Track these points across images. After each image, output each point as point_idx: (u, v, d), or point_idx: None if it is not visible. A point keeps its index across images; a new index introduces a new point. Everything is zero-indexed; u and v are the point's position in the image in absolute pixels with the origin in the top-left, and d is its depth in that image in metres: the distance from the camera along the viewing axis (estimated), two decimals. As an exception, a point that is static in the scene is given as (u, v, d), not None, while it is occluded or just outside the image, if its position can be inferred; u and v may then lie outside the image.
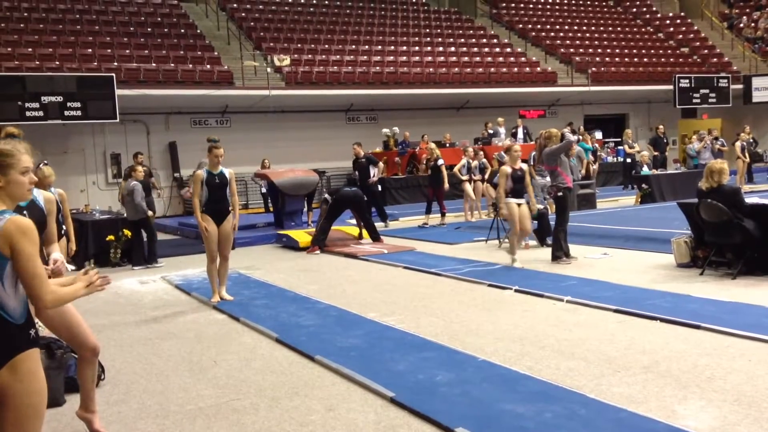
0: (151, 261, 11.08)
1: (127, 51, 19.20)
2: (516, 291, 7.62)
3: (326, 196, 12.24)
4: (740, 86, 26.20)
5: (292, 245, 12.22)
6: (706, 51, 28.58)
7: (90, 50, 18.72)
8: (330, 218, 11.88)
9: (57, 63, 17.70)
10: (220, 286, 8.05)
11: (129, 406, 4.73)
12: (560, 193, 9.31)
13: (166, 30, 21.01)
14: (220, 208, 7.74)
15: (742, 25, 30.80)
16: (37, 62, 17.52)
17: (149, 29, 20.75)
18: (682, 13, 31.48)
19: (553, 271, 8.75)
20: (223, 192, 7.72)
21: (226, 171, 7.75)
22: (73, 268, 9.72)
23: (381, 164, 15.46)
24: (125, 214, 11.51)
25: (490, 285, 8.03)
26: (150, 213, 11.26)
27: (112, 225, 11.47)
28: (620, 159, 21.83)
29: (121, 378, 5.33)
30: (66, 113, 16.74)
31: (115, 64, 18.30)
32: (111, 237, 11.21)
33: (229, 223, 7.80)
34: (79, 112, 16.84)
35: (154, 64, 18.84)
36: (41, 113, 16.43)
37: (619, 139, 22.53)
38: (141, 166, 11.91)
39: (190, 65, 19.16)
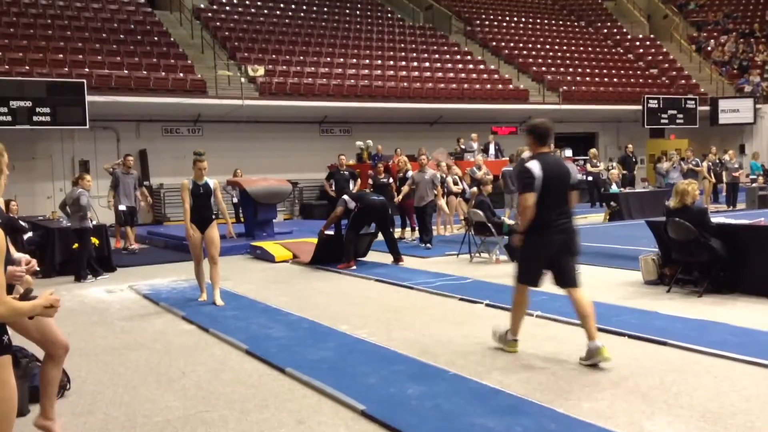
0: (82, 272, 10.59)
1: (99, 57, 19.01)
2: (487, 305, 7.66)
3: (345, 198, 11.18)
4: (707, 108, 26.80)
5: (267, 258, 12.11)
6: (674, 73, 29.18)
7: (61, 56, 18.49)
8: (355, 228, 11.03)
9: (27, 68, 17.46)
10: (214, 291, 8.26)
11: (95, 417, 4.64)
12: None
13: (139, 37, 20.85)
14: (204, 216, 8.25)
15: (710, 48, 31.52)
16: (7, 66, 17.26)
17: (122, 36, 20.58)
18: (652, 36, 32.14)
19: (523, 286, 8.80)
20: (206, 201, 8.26)
21: (210, 181, 8.31)
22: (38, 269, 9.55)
23: (359, 179, 15.57)
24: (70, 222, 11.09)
25: (461, 299, 8.06)
26: (91, 225, 10.72)
27: (80, 233, 11.26)
28: (585, 177, 22.10)
29: (86, 388, 5.23)
30: (35, 119, 16.51)
31: (87, 70, 18.09)
32: (77, 245, 11.01)
33: (214, 229, 8.28)
34: (48, 118, 16.62)
35: (126, 71, 18.67)
36: (9, 118, 16.20)
37: (587, 158, 22.85)
38: (115, 173, 11.52)
39: (163, 73, 19.03)
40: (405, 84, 22.51)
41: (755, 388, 4.71)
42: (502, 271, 9.96)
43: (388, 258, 11.29)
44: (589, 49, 29.91)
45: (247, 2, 25.78)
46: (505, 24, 30.36)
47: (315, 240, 13.13)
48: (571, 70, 27.18)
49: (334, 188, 15.27)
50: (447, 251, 12.15)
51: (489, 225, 11.03)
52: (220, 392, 5.04)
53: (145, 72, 18.87)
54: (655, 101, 25.67)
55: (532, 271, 5.64)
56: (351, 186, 14.53)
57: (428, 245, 12.55)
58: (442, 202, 14.64)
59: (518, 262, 5.91)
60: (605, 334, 6.24)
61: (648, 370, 5.16)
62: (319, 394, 4.87)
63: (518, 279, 5.76)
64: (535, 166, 5.43)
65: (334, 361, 5.66)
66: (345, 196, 11.27)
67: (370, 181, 15.08)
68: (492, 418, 4.26)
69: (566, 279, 5.58)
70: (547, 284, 8.74)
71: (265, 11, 25.50)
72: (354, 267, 10.73)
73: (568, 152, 24.29)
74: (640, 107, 25.48)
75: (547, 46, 28.94)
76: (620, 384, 4.88)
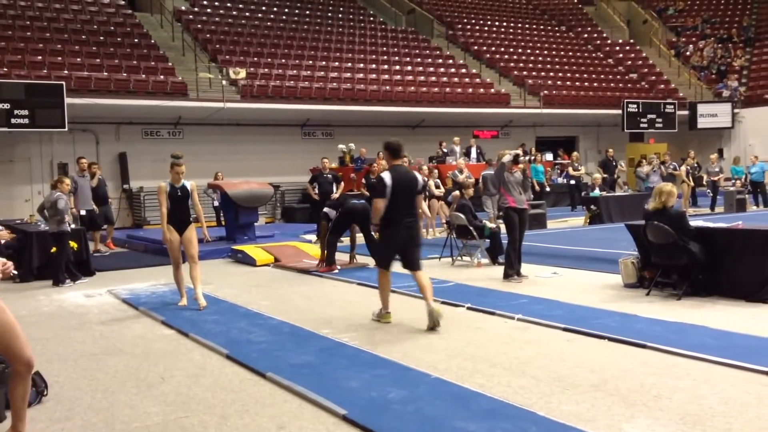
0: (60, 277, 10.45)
1: (79, 59, 18.83)
2: (468, 308, 7.68)
3: (326, 210, 11.23)
4: (686, 112, 27.08)
5: (248, 262, 12.05)
6: (653, 77, 29.45)
7: (40, 57, 18.30)
8: (337, 232, 11.08)
9: (5, 69, 17.25)
10: (195, 290, 8.26)
11: (73, 423, 4.59)
12: (500, 212, 9.86)
13: (119, 39, 20.68)
14: (182, 218, 8.31)
15: (688, 53, 31.87)
16: (-16, 68, 17.06)
17: (102, 38, 20.40)
18: (632, 41, 32.42)
19: (504, 289, 8.84)
20: (184, 204, 8.31)
21: (187, 184, 8.31)
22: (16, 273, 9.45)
23: (342, 182, 15.56)
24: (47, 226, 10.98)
25: (443, 302, 8.02)
26: (69, 229, 10.69)
27: (58, 237, 11.14)
28: (567, 181, 22.28)
29: (64, 394, 5.16)
30: (13, 121, 16.32)
31: (66, 72, 17.92)
32: (55, 249, 10.89)
33: (192, 231, 8.35)
34: (26, 120, 16.44)
35: (105, 73, 18.51)
36: (-14, 120, 16.00)
37: (568, 161, 23.00)
38: (75, 176, 11.32)
39: (143, 75, 18.89)
40: (387, 87, 22.52)
41: (734, 390, 4.75)
42: (484, 275, 10.00)
43: (369, 261, 11.27)
44: (570, 53, 30.10)
45: (229, 4, 25.66)
46: (486, 28, 30.49)
47: (297, 243, 13.16)
48: (551, 74, 27.34)
49: (317, 191, 15.23)
50: (429, 255, 12.14)
51: (470, 228, 11.06)
52: (200, 397, 5.00)
53: (125, 74, 18.72)
54: (635, 106, 25.90)
55: (387, 257, 7.16)
56: (334, 189, 14.49)
57: None
58: (423, 205, 14.64)
59: (377, 251, 7.41)
60: (586, 336, 6.28)
61: (628, 373, 5.19)
62: (300, 399, 4.84)
63: (378, 264, 7.26)
64: (387, 176, 6.89)
65: (315, 365, 5.64)
66: (325, 209, 11.30)
67: (363, 181, 15.13)
68: (473, 421, 4.26)
69: (411, 264, 7.13)
70: (528, 287, 8.84)
71: (247, 13, 25.41)
72: (336, 270, 10.70)
73: (549, 156, 24.46)
74: (619, 111, 25.68)
75: (528, 51, 29.10)
76: (600, 387, 4.90)
